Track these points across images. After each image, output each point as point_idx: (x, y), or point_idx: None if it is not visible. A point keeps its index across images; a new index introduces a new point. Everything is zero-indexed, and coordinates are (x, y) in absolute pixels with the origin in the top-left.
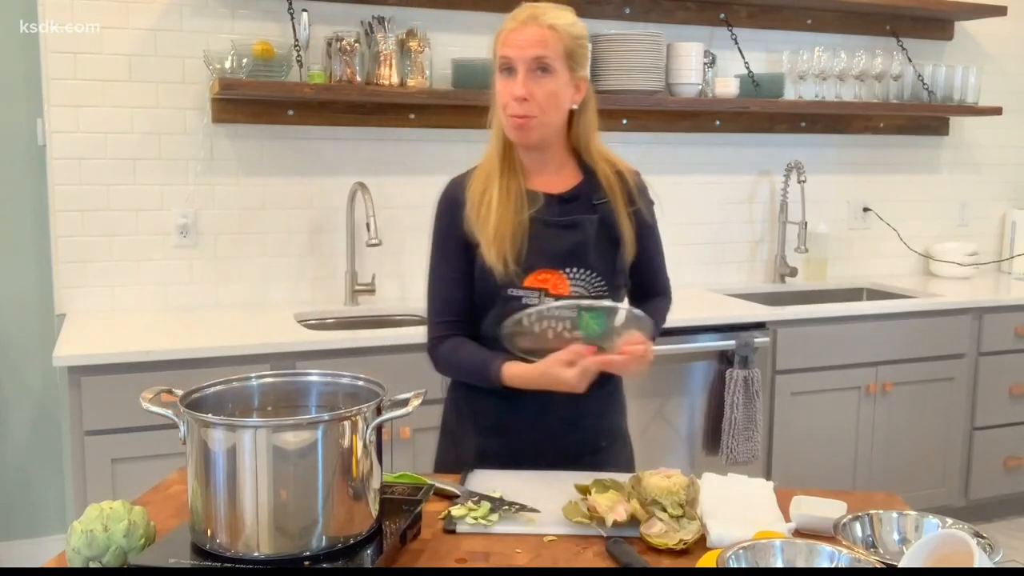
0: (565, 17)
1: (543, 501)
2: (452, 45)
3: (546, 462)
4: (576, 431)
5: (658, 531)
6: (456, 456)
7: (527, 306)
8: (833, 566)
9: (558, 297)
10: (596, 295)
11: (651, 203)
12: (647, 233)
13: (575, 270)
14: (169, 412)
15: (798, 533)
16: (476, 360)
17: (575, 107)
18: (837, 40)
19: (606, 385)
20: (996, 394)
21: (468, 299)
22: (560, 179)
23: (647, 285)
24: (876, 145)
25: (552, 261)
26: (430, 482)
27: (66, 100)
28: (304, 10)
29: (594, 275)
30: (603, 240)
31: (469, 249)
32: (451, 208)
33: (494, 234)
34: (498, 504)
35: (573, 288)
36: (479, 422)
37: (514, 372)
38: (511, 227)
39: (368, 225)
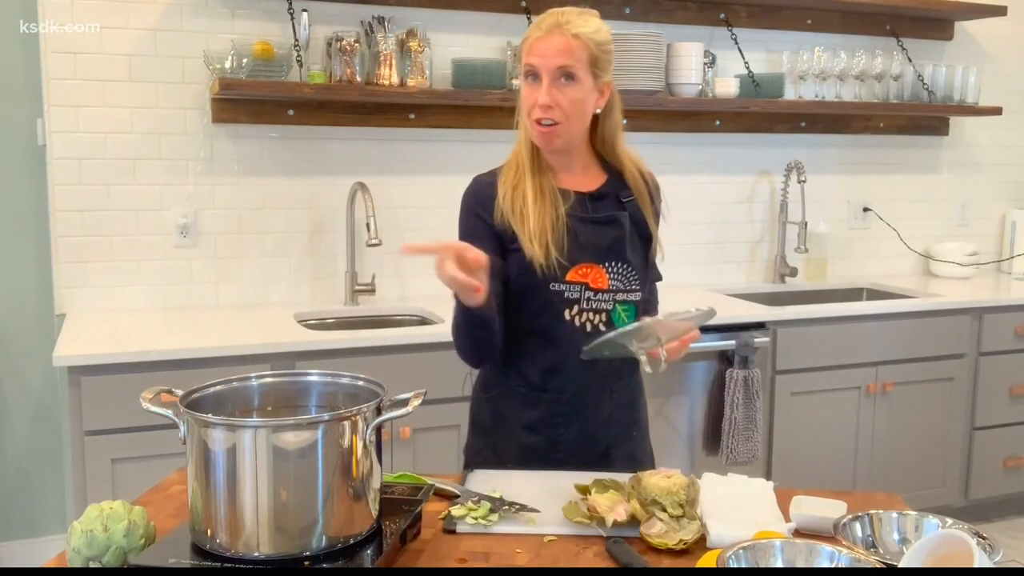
0: (590, 24)
1: (543, 501)
2: (452, 45)
3: (586, 455)
4: (612, 423)
5: (658, 531)
6: (496, 456)
7: (569, 300)
8: (833, 566)
9: (598, 291)
10: (632, 288)
11: (661, 202)
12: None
13: (614, 264)
14: (169, 412)
15: (798, 533)
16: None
17: (599, 111)
18: (837, 40)
19: (633, 377)
20: (996, 394)
21: (499, 293)
22: (587, 178)
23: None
24: (876, 145)
25: (593, 255)
26: (430, 482)
27: (66, 100)
28: (304, 10)
29: (630, 269)
30: (635, 236)
31: (500, 243)
32: (480, 203)
33: (535, 228)
34: (498, 504)
35: (611, 282)
36: (520, 421)
37: None
38: (551, 221)
39: (368, 225)
